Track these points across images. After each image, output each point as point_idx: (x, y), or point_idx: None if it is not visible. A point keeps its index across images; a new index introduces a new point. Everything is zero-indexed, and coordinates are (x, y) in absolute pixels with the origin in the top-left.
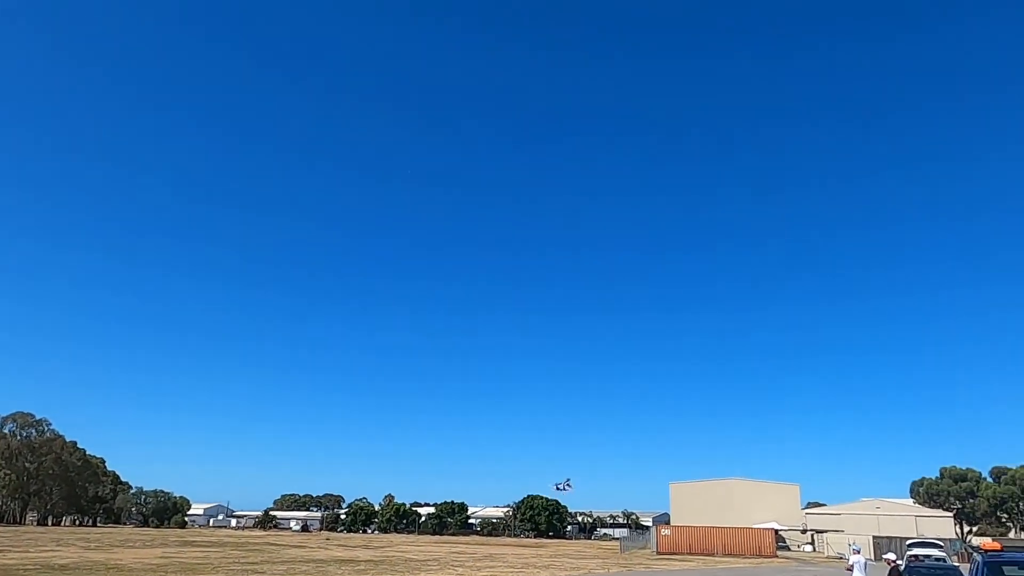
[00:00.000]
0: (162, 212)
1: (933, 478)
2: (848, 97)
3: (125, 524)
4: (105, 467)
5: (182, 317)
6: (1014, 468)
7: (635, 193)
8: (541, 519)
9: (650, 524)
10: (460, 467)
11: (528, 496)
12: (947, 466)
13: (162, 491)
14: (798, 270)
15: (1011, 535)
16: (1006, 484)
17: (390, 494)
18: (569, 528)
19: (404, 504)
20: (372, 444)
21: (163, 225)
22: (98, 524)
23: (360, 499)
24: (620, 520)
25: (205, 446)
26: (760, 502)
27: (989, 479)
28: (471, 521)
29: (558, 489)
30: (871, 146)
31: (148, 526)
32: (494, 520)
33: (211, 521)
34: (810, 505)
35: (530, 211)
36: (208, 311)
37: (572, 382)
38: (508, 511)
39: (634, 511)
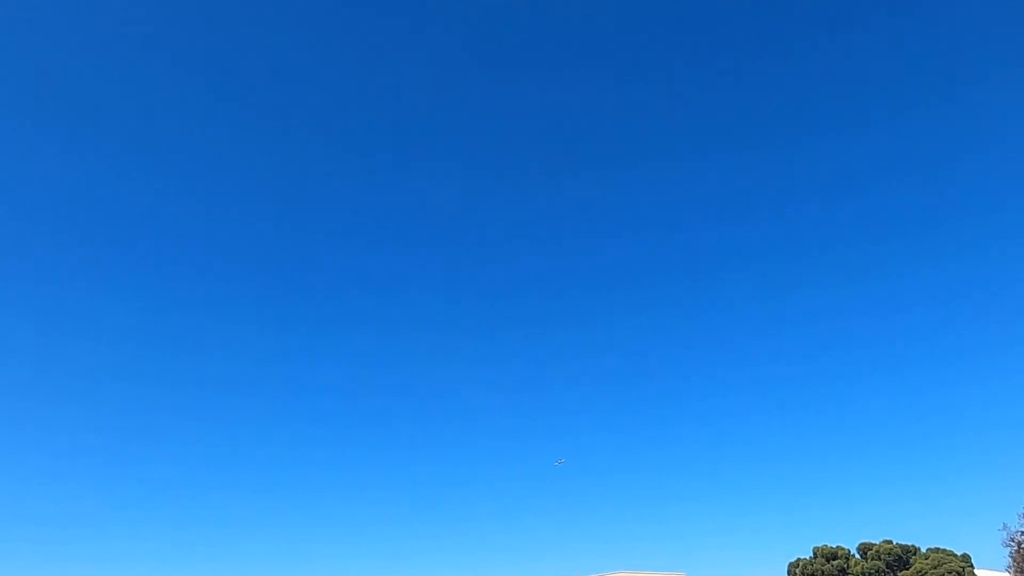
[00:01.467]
0: None
1: (807, 558)
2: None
3: None
4: None
5: None
6: (878, 543)
7: None
8: None
9: None
10: None
11: None
12: (819, 545)
13: None
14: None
15: None
16: (872, 560)
17: None
18: None
19: None
20: None
21: None
22: None
23: None
24: None
25: None
26: None
27: (857, 555)
28: None
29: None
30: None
31: None
32: None
33: None
34: None
35: None
36: None
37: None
38: None
39: None
